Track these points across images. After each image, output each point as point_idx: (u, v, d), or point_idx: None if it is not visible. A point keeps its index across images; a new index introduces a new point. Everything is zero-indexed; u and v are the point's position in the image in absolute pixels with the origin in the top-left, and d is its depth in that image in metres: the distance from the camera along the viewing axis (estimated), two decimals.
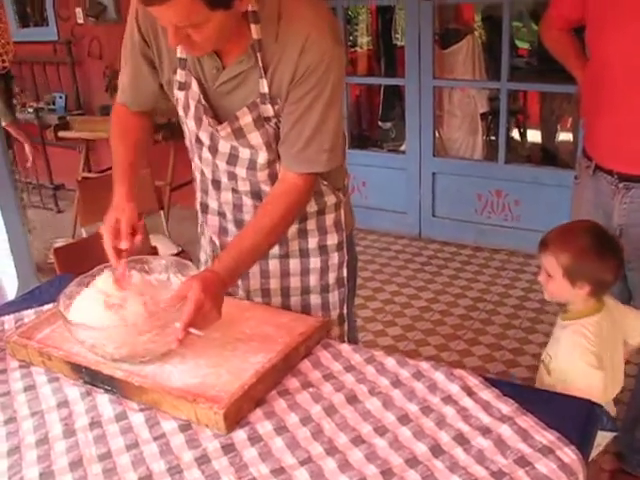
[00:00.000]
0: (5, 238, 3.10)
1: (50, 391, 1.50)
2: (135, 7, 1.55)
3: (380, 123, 5.47)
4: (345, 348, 1.58)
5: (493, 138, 4.83)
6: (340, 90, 1.52)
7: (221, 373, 1.46)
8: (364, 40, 6.54)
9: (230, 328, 1.60)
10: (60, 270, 2.21)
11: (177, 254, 2.87)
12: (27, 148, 3.85)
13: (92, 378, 1.49)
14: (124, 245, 1.56)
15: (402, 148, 5.08)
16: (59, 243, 4.91)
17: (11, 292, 3.19)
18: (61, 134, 4.95)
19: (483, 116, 4.66)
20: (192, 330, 1.40)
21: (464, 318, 3.47)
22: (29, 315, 1.83)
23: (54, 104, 5.51)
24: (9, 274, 3.20)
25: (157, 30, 1.54)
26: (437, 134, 4.40)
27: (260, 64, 1.47)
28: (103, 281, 1.58)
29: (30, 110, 5.40)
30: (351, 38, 6.31)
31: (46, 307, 1.84)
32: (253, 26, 1.43)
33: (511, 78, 3.98)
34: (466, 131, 4.59)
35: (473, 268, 4.02)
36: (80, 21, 5.43)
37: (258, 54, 1.46)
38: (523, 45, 6.25)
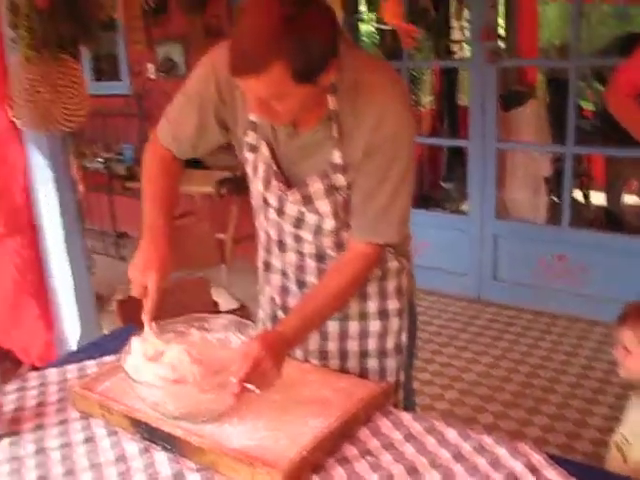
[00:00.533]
0: (71, 286, 3.16)
1: (109, 445, 1.51)
2: (213, 65, 1.56)
3: (442, 183, 5.46)
4: (405, 417, 1.54)
5: (556, 199, 4.76)
6: (412, 163, 1.53)
7: (279, 437, 1.44)
8: (427, 99, 6.58)
9: (290, 390, 1.58)
10: (123, 322, 2.24)
11: (237, 309, 2.89)
12: (80, 188, 4.00)
13: (151, 434, 1.49)
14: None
15: (463, 208, 5.05)
16: (119, 290, 5.02)
17: (73, 340, 3.24)
18: (128, 184, 5.09)
19: (546, 178, 4.60)
20: (248, 386, 1.40)
21: (524, 385, 3.37)
22: (91, 366, 1.86)
23: (122, 155, 5.69)
24: (72, 321, 3.26)
25: (234, 92, 1.55)
26: (499, 195, 4.36)
27: (335, 134, 1.49)
28: (136, 344, 1.61)
29: (100, 160, 5.59)
30: (414, 97, 6.36)
31: (108, 359, 1.86)
32: (330, 97, 1.46)
33: (576, 141, 3.94)
34: (529, 193, 4.54)
35: (534, 333, 3.93)
36: (151, 76, 5.64)
37: (334, 125, 1.48)
38: (587, 106, 6.19)
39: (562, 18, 11.18)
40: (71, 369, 1.86)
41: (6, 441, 1.53)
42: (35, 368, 1.90)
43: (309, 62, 1.28)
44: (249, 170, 1.66)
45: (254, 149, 1.60)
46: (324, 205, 1.56)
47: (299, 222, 1.63)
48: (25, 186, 3.07)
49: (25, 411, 1.66)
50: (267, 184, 1.61)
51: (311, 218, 1.60)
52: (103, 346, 2.00)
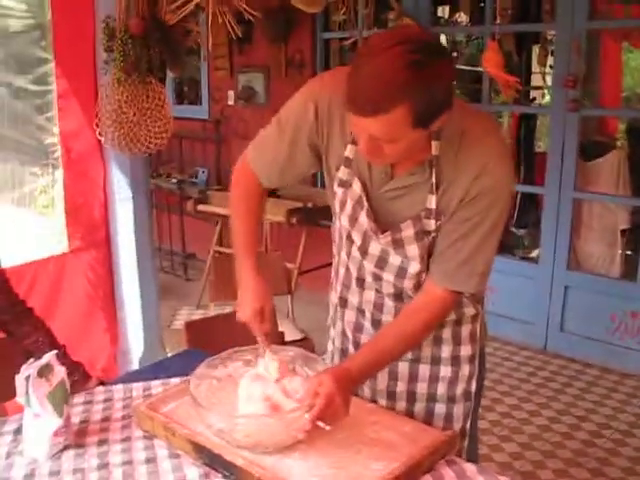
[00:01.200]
0: (139, 303, 3.22)
1: (170, 467, 1.51)
2: (314, 96, 1.55)
3: (514, 229, 5.37)
4: (470, 468, 1.50)
5: (629, 253, 4.61)
6: (503, 220, 1.52)
7: (341, 476, 1.43)
8: None
9: (354, 430, 1.57)
10: (188, 344, 2.27)
11: (301, 340, 2.89)
12: None
13: (212, 461, 1.49)
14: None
15: (533, 255, 4.95)
16: (184, 311, 5.10)
17: (136, 356, 3.30)
18: (200, 207, 5.16)
19: (623, 232, 4.47)
20: (320, 423, 1.41)
21: (588, 444, 3.25)
22: (156, 386, 1.88)
23: (196, 177, 5.79)
24: (136, 337, 3.32)
25: (333, 127, 1.55)
26: (572, 245, 4.26)
27: (433, 180, 1.48)
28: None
29: (174, 181, 5.70)
30: None
31: (173, 380, 1.88)
32: (434, 142, 1.45)
33: None
34: (604, 246, 4.41)
35: (600, 391, 3.79)
36: (230, 102, 5.75)
37: (433, 170, 1.48)
38: None
39: None
40: (136, 387, 1.88)
41: (71, 452, 1.56)
42: (102, 383, 1.92)
43: (431, 108, 1.29)
44: (336, 205, 1.65)
45: (345, 184, 1.59)
46: (413, 249, 1.56)
47: (382, 262, 1.62)
48: (104, 202, 3.16)
49: (91, 424, 1.69)
50: (354, 221, 1.61)
51: (396, 259, 1.59)
52: (168, 367, 2.03)
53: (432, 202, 1.50)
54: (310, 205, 4.41)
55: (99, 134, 2.96)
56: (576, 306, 4.14)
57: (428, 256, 1.57)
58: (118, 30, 2.82)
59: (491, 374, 3.90)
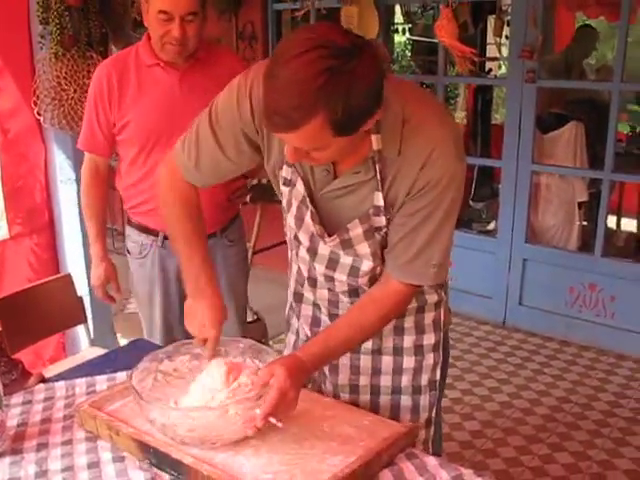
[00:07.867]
0: (86, 289, 3.09)
1: (114, 472, 1.42)
2: (250, 90, 1.40)
3: (471, 203, 5.32)
4: (431, 462, 1.43)
5: (585, 223, 4.61)
6: (457, 208, 1.43)
7: (295, 473, 1.35)
8: (460, 115, 6.45)
9: (309, 424, 1.50)
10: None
11: (253, 322, 2.79)
12: None
13: (159, 460, 1.41)
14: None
15: (490, 227, 4.92)
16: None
17: (85, 341, 3.17)
18: None
19: (580, 204, 4.46)
20: (272, 419, 1.34)
21: (548, 419, 3.24)
22: (101, 382, 1.79)
23: None
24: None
25: None
26: (530, 219, 4.22)
27: (378, 177, 1.39)
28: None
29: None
30: None
31: (119, 375, 1.78)
32: (374, 136, 1.35)
33: (614, 168, 3.80)
34: (562, 218, 4.39)
35: (560, 364, 3.78)
36: None
37: (377, 166, 1.38)
38: (623, 129, 6.02)
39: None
40: (80, 383, 1.79)
41: (7, 460, 1.45)
42: (43, 380, 1.81)
43: (351, 115, 1.17)
44: (284, 203, 1.56)
45: (289, 183, 1.50)
46: (364, 247, 1.48)
47: (333, 263, 1.53)
48: (45, 185, 3.02)
49: (29, 427, 1.59)
50: (300, 222, 1.52)
51: (347, 259, 1.51)
52: (114, 360, 1.93)
53: (379, 199, 1.41)
54: (264, 181, 4.28)
55: (37, 113, 2.82)
56: (535, 279, 4.13)
57: (382, 250, 1.49)
58: (53, 1, 2.67)
59: (452, 351, 3.80)
